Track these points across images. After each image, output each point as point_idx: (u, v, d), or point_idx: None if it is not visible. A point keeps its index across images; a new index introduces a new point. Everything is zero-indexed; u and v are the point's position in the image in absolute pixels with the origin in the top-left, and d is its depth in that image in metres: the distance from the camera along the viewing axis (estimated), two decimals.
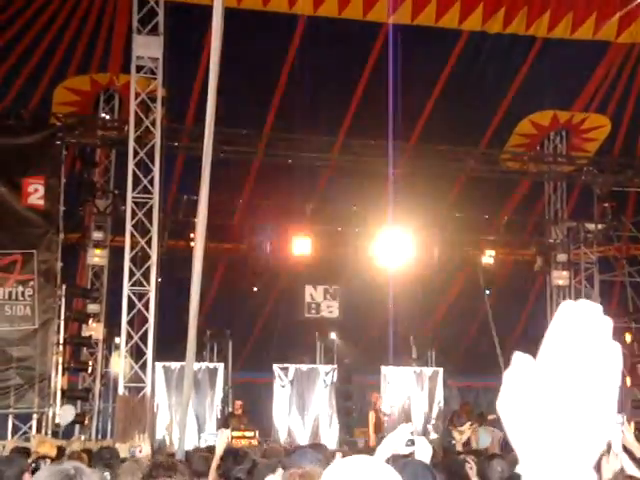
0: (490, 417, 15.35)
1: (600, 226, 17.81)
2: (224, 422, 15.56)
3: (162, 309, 13.39)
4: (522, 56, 16.48)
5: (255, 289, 17.26)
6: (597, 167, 17.75)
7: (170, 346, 13.65)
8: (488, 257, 17.83)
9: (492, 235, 17.84)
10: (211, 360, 17.49)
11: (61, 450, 9.71)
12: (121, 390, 12.98)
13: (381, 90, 16.27)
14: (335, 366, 17.83)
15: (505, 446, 11.17)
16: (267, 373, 17.60)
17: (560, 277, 18.20)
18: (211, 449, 9.29)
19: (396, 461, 4.60)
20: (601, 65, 16.74)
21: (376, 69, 16.17)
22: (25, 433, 13.46)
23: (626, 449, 4.87)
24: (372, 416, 15.88)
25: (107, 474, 5.02)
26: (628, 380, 17.33)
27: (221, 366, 17.13)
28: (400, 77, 16.08)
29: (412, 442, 3.99)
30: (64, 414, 13.76)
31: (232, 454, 5.26)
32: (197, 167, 9.01)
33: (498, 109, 17.07)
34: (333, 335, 18.36)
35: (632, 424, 7.89)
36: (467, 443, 14.42)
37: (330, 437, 16.51)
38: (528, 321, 19.59)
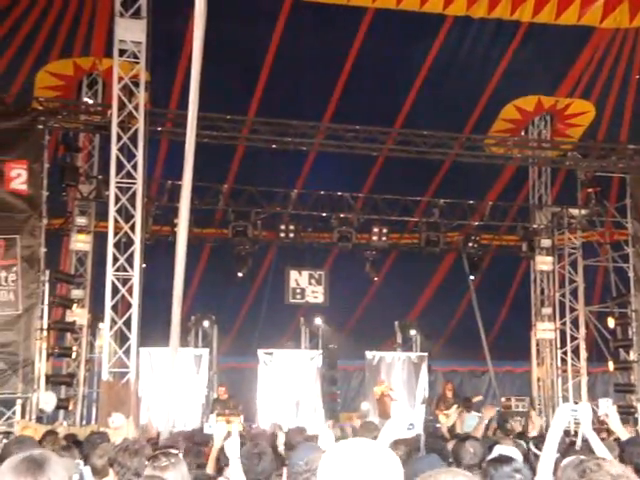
0: (475, 399, 15.46)
1: (584, 211, 17.89)
2: (210, 407, 15.61)
3: (147, 295, 13.35)
4: (506, 41, 16.46)
5: (240, 274, 17.24)
6: (581, 152, 17.80)
7: (155, 332, 13.64)
8: (472, 242, 17.89)
9: (477, 220, 17.88)
10: (196, 345, 17.50)
11: (52, 434, 9.70)
12: (105, 375, 12.95)
13: (365, 75, 16.28)
14: (320, 351, 17.88)
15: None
16: (252, 358, 17.64)
17: (544, 262, 18.30)
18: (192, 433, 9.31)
19: (397, 445, 4.63)
20: (585, 50, 16.76)
21: (360, 54, 16.14)
22: (9, 418, 13.42)
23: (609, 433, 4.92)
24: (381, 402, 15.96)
25: (80, 461, 5.02)
26: (611, 364, 17.48)
27: (206, 351, 17.15)
28: (383, 62, 16.09)
29: (412, 426, 4.03)
30: (46, 401, 13.72)
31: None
32: (181, 152, 8.95)
33: (482, 94, 17.08)
34: (318, 320, 18.39)
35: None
36: (452, 428, 14.52)
37: (315, 422, 16.56)
38: (512, 306, 19.71)
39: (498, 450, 4.98)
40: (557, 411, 4.25)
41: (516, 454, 4.86)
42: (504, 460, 4.06)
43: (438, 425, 15.01)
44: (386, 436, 4.00)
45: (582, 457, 4.00)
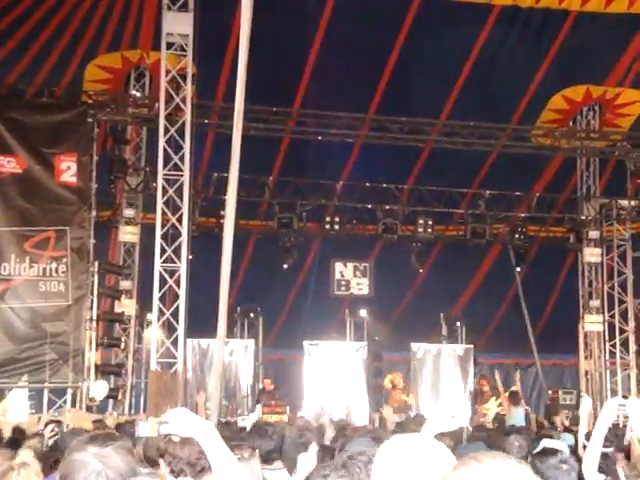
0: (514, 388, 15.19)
1: (633, 202, 17.61)
2: (256, 398, 15.73)
3: (194, 286, 13.48)
4: (555, 30, 16.24)
5: (285, 266, 17.31)
6: (631, 142, 17.51)
7: (202, 323, 13.76)
8: (519, 234, 17.72)
9: (523, 212, 17.71)
10: (242, 337, 17.62)
11: (101, 422, 9.90)
12: (153, 366, 13.12)
13: (411, 67, 16.21)
14: (365, 343, 17.88)
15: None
16: (297, 350, 17.71)
17: (592, 254, 18.06)
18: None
19: (442, 437, 4.63)
20: (635, 39, 16.44)
21: (406, 45, 16.05)
22: (60, 407, 13.68)
23: None
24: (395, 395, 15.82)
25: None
26: None
27: (252, 342, 17.26)
28: (429, 53, 15.98)
29: (454, 418, 4.04)
30: (97, 389, 13.96)
31: (258, 428, 5.28)
32: (227, 144, 9.02)
33: (530, 84, 16.88)
34: (363, 312, 18.39)
35: None
36: (500, 421, 14.40)
37: (360, 414, 16.58)
38: (559, 298, 19.48)
39: (544, 444, 4.96)
40: (605, 405, 4.22)
41: (563, 447, 4.84)
42: (550, 452, 4.04)
43: (482, 420, 14.98)
44: (430, 429, 4.01)
45: None
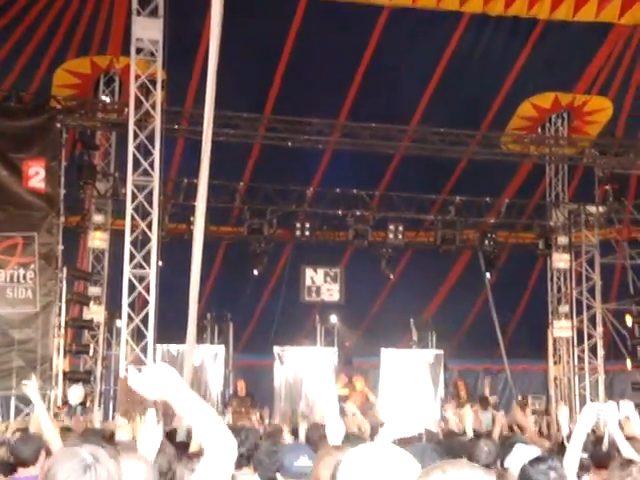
0: (493, 401, 15.35)
1: (601, 209, 17.78)
2: (226, 403, 15.63)
3: (164, 293, 13.40)
4: (523, 38, 16.39)
5: (255, 272, 17.26)
6: (599, 149, 17.69)
7: (172, 329, 13.67)
8: (489, 240, 17.83)
9: (493, 218, 17.82)
10: (212, 343, 17.54)
11: (69, 430, 9.77)
12: (122, 373, 13.01)
13: (382, 73, 16.27)
14: (336, 349, 17.87)
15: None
16: (268, 356, 17.65)
17: (561, 260, 18.20)
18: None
19: (403, 443, 4.63)
20: (603, 47, 16.65)
21: (376, 52, 16.12)
22: (27, 415, 13.50)
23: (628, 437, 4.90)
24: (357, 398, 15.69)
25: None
26: (629, 363, 17.39)
27: (222, 349, 17.18)
28: (399, 60, 16.06)
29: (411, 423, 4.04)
30: (73, 394, 13.82)
31: (233, 433, 5.22)
32: (197, 150, 8.95)
33: (499, 92, 17.02)
34: (334, 318, 18.39)
35: None
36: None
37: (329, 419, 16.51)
38: (529, 304, 19.62)
39: (519, 449, 4.96)
40: (583, 411, 4.26)
41: (537, 453, 4.85)
42: (540, 458, 4.06)
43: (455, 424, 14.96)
44: (386, 434, 4.01)
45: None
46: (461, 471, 1.46)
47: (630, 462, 3.96)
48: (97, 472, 2.37)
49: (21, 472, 4.87)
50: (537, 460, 4.01)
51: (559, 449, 5.64)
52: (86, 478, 2.33)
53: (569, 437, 5.69)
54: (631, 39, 16.60)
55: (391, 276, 18.21)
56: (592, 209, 17.89)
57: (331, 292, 18.66)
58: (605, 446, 4.80)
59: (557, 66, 16.61)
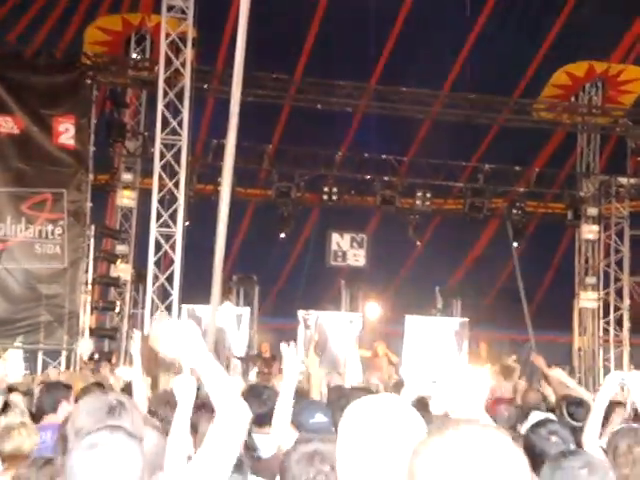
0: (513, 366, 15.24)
1: (633, 180, 17.55)
2: (248, 362, 15.70)
3: (190, 253, 13.47)
4: (559, 5, 16.11)
5: (282, 235, 17.28)
6: (632, 119, 17.41)
7: (197, 290, 13.75)
8: (517, 209, 17.67)
9: (522, 187, 17.65)
10: (237, 305, 17.62)
11: (100, 385, 9.90)
12: (147, 330, 13.13)
13: (414, 38, 16.08)
14: (360, 314, 17.88)
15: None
16: (292, 319, 17.72)
17: (590, 231, 18.02)
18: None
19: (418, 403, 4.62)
20: (639, 17, 16.32)
21: (409, 17, 15.94)
22: (54, 369, 13.71)
23: None
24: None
25: None
26: None
27: (247, 311, 17.26)
28: (432, 25, 15.86)
29: (435, 382, 4.04)
30: (83, 347, 13.99)
31: (254, 390, 5.22)
32: (227, 111, 8.91)
33: (533, 59, 16.77)
34: (359, 283, 18.37)
35: None
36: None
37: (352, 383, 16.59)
38: (556, 275, 19.50)
39: (534, 416, 4.96)
40: (606, 378, 4.23)
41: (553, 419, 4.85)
42: (539, 423, 4.05)
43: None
44: (409, 392, 4.02)
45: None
46: (474, 429, 1.45)
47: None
48: (121, 416, 2.40)
49: (45, 419, 4.98)
50: (537, 425, 4.00)
51: (572, 402, 5.64)
52: (108, 419, 2.37)
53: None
54: None
55: (418, 243, 18.14)
56: (623, 180, 17.65)
57: (357, 257, 18.64)
58: (628, 414, 4.79)
59: (592, 35, 16.30)
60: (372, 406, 1.85)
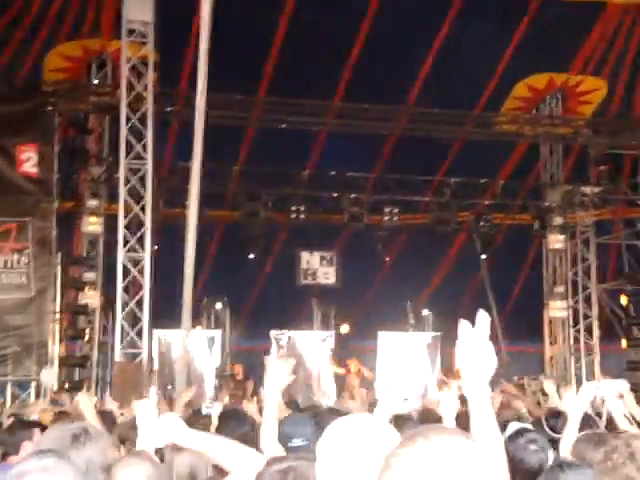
0: None
1: (596, 189, 17.76)
2: (221, 384, 15.60)
3: (159, 277, 13.38)
4: (518, 18, 16.32)
5: (251, 256, 17.23)
6: (593, 129, 17.66)
7: (167, 315, 13.66)
8: (484, 222, 17.80)
9: (489, 199, 17.80)
10: (208, 327, 17.51)
11: (64, 414, 9.75)
12: (117, 357, 13.01)
13: (377, 54, 16.20)
14: (333, 332, 17.86)
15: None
16: (264, 340, 17.64)
17: (556, 241, 18.19)
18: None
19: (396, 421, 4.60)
20: (596, 27, 16.62)
21: (371, 33, 16.05)
22: (24, 400, 13.50)
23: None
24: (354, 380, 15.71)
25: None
26: (624, 342, 17.42)
27: (218, 333, 17.16)
28: (394, 41, 15.99)
29: (407, 400, 4.02)
30: (45, 378, 13.79)
31: (234, 412, 5.19)
32: (192, 133, 8.91)
33: (494, 73, 16.96)
34: (330, 301, 18.36)
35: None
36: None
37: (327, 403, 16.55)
38: (525, 285, 19.64)
39: (512, 427, 4.96)
40: (581, 389, 4.26)
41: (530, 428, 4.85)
42: (518, 432, 4.05)
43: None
44: (382, 411, 4.01)
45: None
46: (443, 437, 1.45)
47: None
48: (85, 444, 2.36)
49: (8, 460, 4.83)
50: (516, 434, 4.01)
51: (552, 414, 5.65)
52: (72, 448, 2.32)
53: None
54: (624, 18, 16.54)
55: (387, 258, 18.19)
56: (587, 190, 17.86)
57: (327, 275, 18.63)
58: (603, 422, 4.79)
59: (551, 47, 16.55)
60: (350, 427, 1.85)
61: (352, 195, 16.98)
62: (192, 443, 2.67)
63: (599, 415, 4.82)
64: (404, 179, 17.18)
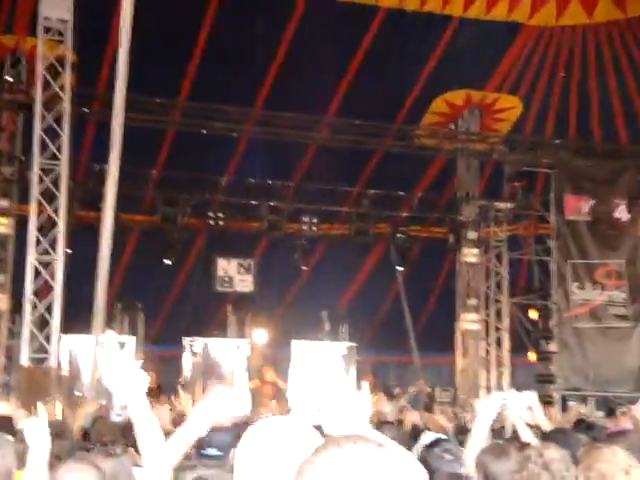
0: (396, 391, 15.54)
1: (510, 205, 18.19)
2: None
3: (71, 281, 13.07)
4: (438, 35, 16.62)
5: (167, 261, 17.00)
6: (508, 146, 18.10)
7: (78, 320, 13.35)
8: (401, 233, 18.01)
9: (406, 212, 18.02)
10: (121, 333, 17.19)
11: None
12: (25, 361, 12.63)
13: (299, 61, 16.24)
14: (248, 339, 17.77)
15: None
16: (178, 347, 17.43)
17: (470, 255, 18.53)
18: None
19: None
20: (513, 47, 17.06)
21: (294, 41, 16.08)
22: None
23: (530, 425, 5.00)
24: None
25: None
26: (532, 355, 17.86)
27: (131, 339, 16.86)
28: (318, 52, 16.06)
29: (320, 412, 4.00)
30: None
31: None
32: (109, 135, 8.77)
33: (414, 87, 17.21)
34: (246, 309, 18.28)
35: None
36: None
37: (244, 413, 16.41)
38: (439, 297, 19.94)
39: (426, 437, 5.00)
40: (487, 400, 4.30)
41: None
42: (433, 443, 4.09)
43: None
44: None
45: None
46: (356, 445, 1.45)
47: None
48: None
49: None
50: (432, 445, 4.06)
51: (460, 430, 5.74)
52: None
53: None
54: (540, 40, 17.03)
55: (304, 267, 18.21)
56: (501, 205, 18.28)
57: (245, 283, 18.53)
58: (508, 434, 4.89)
59: (469, 64, 16.90)
60: (271, 429, 1.84)
61: (271, 203, 16.97)
62: (136, 411, 2.70)
63: (502, 427, 4.92)
64: (324, 189, 17.26)
